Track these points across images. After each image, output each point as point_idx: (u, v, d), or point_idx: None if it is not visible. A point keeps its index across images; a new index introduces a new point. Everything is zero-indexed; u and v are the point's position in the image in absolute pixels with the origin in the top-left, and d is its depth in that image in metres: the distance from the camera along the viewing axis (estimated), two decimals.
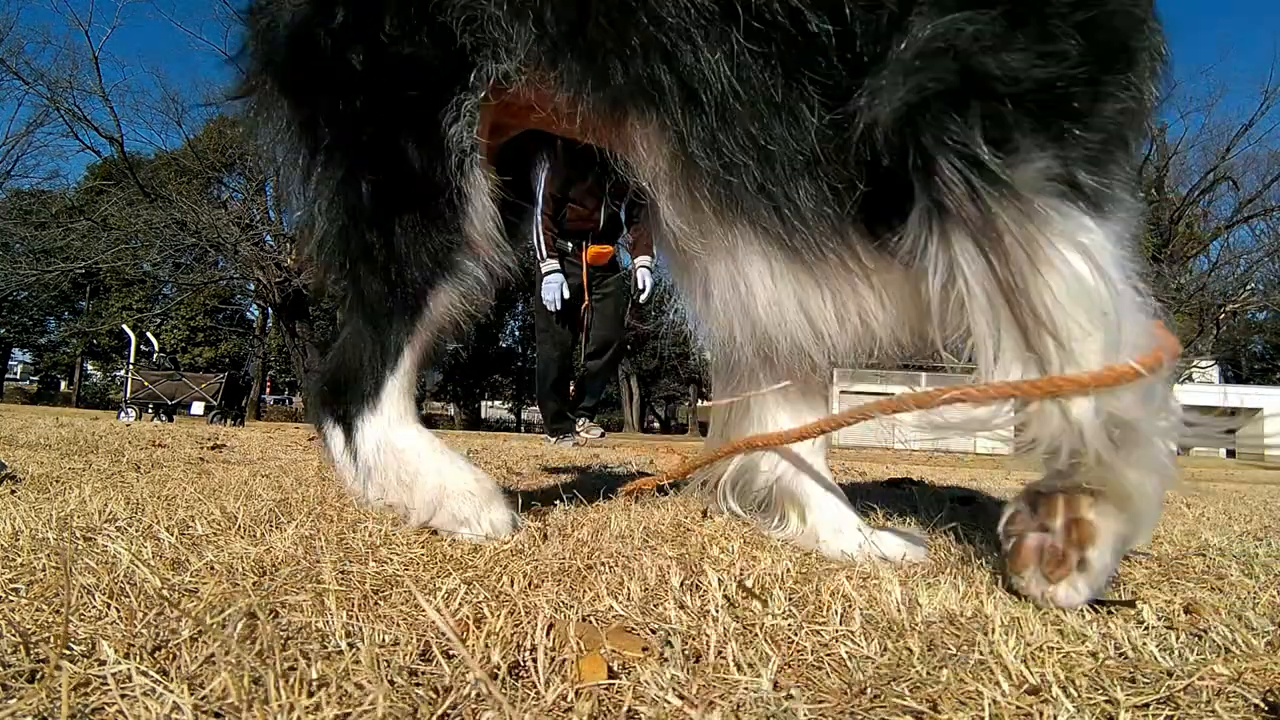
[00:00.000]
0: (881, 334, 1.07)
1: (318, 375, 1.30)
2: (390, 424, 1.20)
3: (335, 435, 1.26)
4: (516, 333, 35.64)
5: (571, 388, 5.71)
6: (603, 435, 5.78)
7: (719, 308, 1.15)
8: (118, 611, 0.69)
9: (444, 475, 1.17)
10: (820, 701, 0.59)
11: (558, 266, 5.04)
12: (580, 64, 1.03)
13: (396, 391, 1.20)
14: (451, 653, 0.61)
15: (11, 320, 31.26)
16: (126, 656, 0.58)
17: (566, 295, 5.05)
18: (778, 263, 1.04)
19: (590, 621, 0.73)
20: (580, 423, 5.62)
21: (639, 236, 5.25)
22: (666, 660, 0.64)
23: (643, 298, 5.49)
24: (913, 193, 0.92)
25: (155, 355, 10.76)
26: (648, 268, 5.32)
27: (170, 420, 8.76)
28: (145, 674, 0.54)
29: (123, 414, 8.87)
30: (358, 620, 0.69)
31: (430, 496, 1.15)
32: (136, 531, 1.05)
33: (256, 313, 30.47)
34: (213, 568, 0.86)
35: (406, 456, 1.19)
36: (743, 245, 1.05)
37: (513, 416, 37.94)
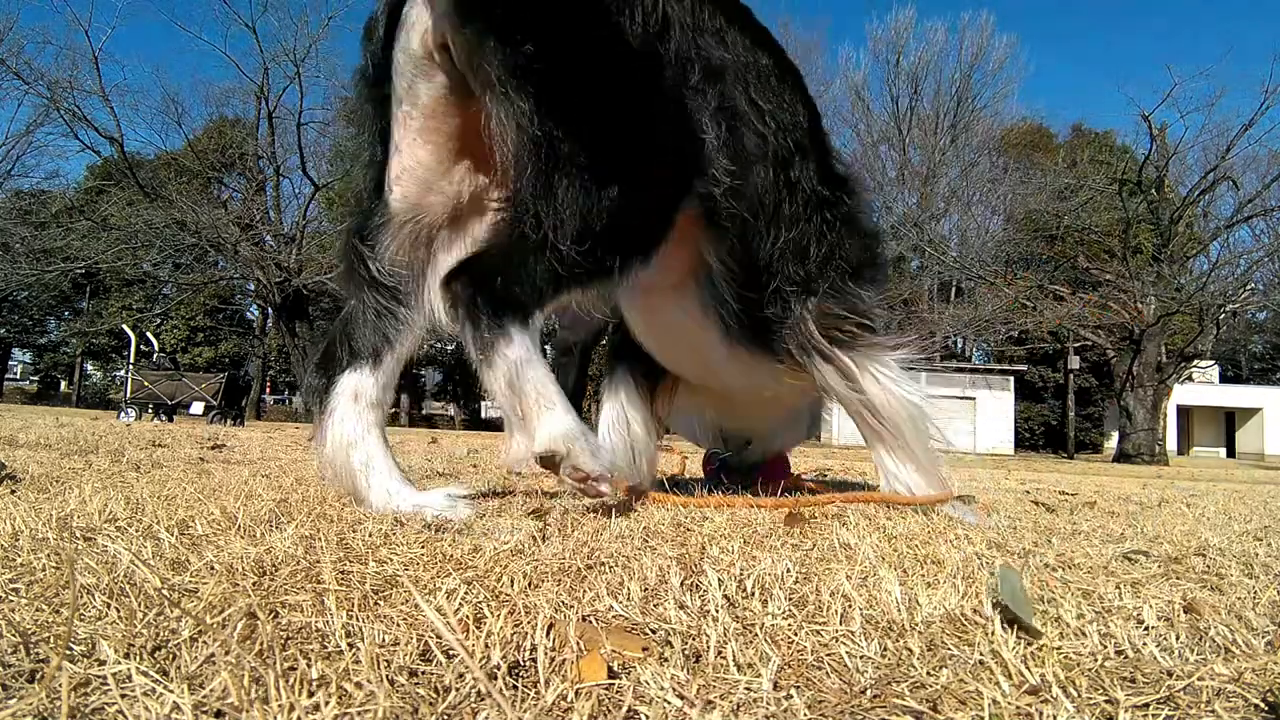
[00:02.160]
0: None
1: (472, 267, 1.36)
2: (530, 344, 1.33)
3: (472, 326, 1.33)
4: None
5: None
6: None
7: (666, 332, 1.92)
8: (118, 611, 0.69)
9: (571, 416, 1.33)
10: (820, 701, 0.59)
11: None
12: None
13: (536, 323, 1.34)
14: (451, 653, 0.61)
15: (11, 320, 31.22)
16: (126, 656, 0.58)
17: None
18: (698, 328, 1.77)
19: (590, 621, 0.73)
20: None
21: None
22: (666, 660, 0.64)
23: None
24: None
25: (155, 355, 10.77)
26: None
27: (170, 420, 8.76)
28: (145, 674, 0.54)
29: (123, 414, 8.86)
30: (358, 620, 0.69)
31: (563, 430, 1.30)
32: (136, 531, 1.05)
33: (256, 313, 30.47)
34: (213, 568, 0.86)
35: (545, 381, 1.33)
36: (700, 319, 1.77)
37: None
